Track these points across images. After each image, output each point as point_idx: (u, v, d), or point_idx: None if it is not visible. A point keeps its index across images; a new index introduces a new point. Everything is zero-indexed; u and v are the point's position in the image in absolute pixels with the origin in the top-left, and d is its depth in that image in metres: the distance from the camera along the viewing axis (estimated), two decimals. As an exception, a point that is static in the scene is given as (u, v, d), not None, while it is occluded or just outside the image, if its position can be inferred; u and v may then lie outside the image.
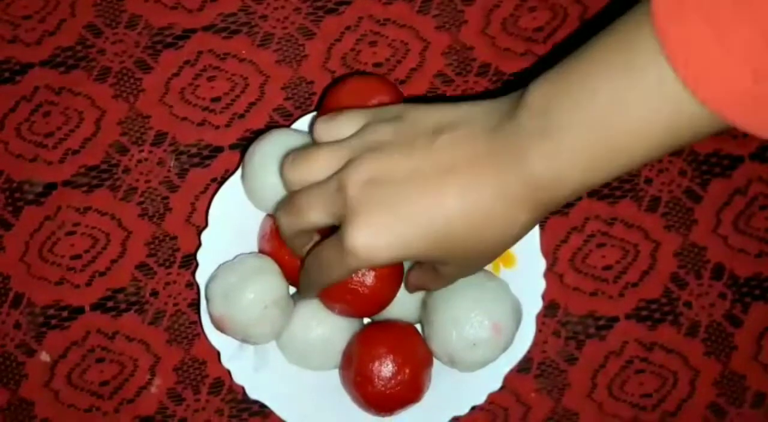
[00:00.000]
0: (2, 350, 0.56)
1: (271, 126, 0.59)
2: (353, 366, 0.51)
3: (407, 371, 0.50)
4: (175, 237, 0.58)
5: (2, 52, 0.59)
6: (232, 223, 0.54)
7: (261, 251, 0.54)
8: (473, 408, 0.54)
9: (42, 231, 0.57)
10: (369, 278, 0.49)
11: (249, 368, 0.54)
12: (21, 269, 0.57)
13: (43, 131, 0.58)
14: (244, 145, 0.58)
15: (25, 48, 0.59)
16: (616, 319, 0.58)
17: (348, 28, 0.60)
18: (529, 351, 0.54)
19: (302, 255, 0.47)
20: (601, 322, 0.58)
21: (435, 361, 0.53)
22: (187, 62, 0.59)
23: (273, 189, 0.51)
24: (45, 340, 0.56)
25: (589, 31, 0.46)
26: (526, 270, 0.54)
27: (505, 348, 0.51)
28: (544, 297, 0.54)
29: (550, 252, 0.58)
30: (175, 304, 0.57)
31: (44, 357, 0.57)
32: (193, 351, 0.57)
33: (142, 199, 0.58)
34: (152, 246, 0.58)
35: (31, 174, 0.58)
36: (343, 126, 0.44)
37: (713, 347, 0.58)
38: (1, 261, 0.57)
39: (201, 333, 0.56)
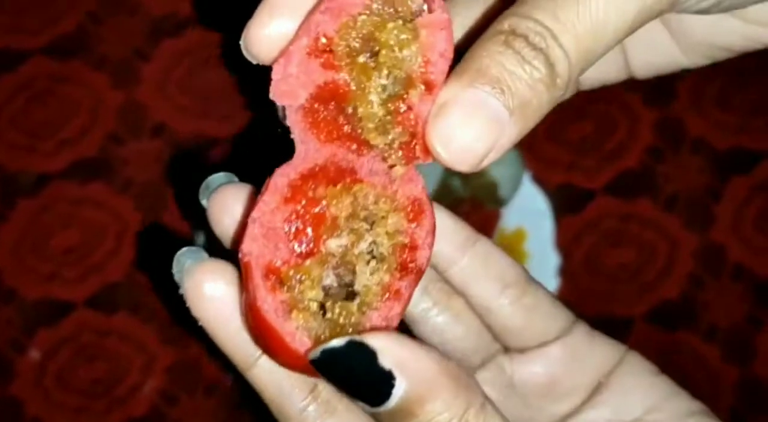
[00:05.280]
0: (-8, 347, 0.55)
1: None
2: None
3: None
4: (172, 231, 0.56)
5: (2, 40, 0.58)
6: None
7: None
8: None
9: (36, 224, 0.56)
10: None
11: None
12: (13, 263, 0.55)
13: (39, 120, 0.57)
14: (246, 137, 0.57)
15: (25, 35, 0.58)
16: (631, 321, 0.56)
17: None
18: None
19: None
20: (616, 324, 0.56)
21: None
22: (187, 51, 0.58)
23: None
24: (35, 337, 0.55)
25: None
26: (537, 267, 0.52)
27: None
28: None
29: (561, 250, 0.56)
30: (172, 302, 0.55)
31: (34, 354, 0.55)
32: (188, 352, 0.55)
33: (138, 192, 0.56)
34: (149, 240, 0.56)
35: (26, 164, 0.56)
36: None
37: (732, 351, 0.56)
38: (-5, 255, 0.56)
39: (197, 334, 0.55)
